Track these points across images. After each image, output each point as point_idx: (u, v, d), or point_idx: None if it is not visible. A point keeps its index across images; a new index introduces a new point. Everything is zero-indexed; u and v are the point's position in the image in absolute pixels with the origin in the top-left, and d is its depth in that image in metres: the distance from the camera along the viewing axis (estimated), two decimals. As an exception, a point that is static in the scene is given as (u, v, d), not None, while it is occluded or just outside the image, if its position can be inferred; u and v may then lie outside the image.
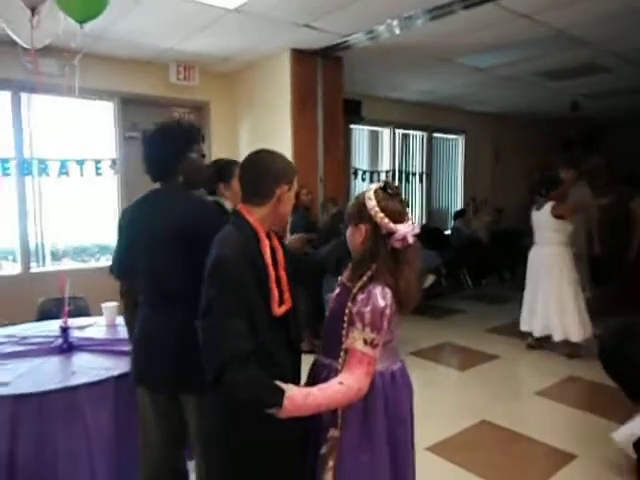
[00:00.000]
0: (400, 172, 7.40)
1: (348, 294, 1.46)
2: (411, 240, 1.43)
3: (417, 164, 7.68)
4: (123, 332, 2.47)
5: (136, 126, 4.69)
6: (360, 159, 6.98)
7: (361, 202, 1.46)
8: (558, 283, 4.14)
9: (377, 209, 1.42)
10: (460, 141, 8.12)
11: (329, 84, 4.65)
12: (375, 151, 7.18)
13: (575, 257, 4.35)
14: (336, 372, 1.44)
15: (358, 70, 5.03)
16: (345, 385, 1.34)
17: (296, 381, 1.52)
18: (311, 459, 1.50)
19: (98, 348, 2.20)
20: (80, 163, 4.44)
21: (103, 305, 2.67)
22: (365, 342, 1.37)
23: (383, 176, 7.11)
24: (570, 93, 6.35)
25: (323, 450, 1.44)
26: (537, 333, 4.28)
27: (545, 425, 3.15)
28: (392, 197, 1.45)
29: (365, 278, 1.43)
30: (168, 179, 1.82)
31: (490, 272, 7.51)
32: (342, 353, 1.43)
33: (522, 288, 4.51)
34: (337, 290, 1.58)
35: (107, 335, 2.44)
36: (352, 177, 6.73)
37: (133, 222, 1.82)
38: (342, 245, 1.73)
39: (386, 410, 1.47)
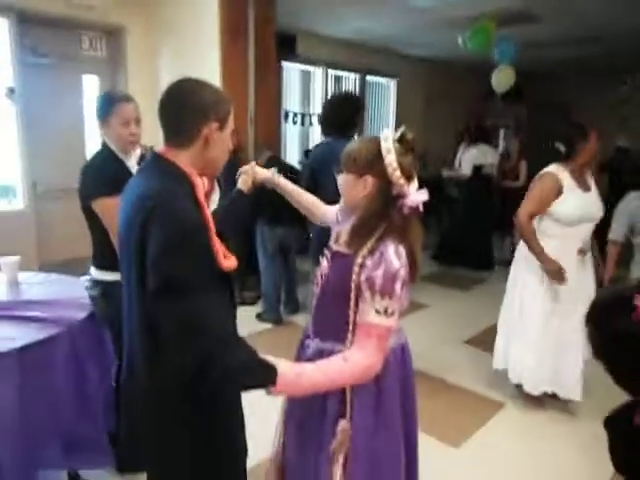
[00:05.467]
0: (332, 116, 7.15)
1: (348, 263, 1.24)
2: (421, 208, 1.26)
3: (349, 108, 7.44)
4: (27, 292, 2.17)
5: (37, 50, 4.06)
6: (291, 100, 6.62)
7: (374, 150, 1.23)
8: None
9: (395, 166, 1.21)
10: (392, 85, 7.94)
11: (261, 13, 4.22)
12: (307, 92, 6.84)
13: None
14: None
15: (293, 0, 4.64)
16: (350, 362, 1.15)
17: None
18: (313, 453, 1.34)
19: (-4, 313, 1.87)
20: (-31, 91, 3.80)
21: (1, 260, 2.29)
22: (377, 312, 1.18)
23: (315, 119, 6.84)
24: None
25: (332, 444, 1.27)
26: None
27: (473, 373, 3.23)
28: (407, 152, 1.25)
29: (373, 240, 1.22)
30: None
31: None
32: (350, 334, 1.24)
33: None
34: (328, 260, 1.35)
35: (7, 296, 2.10)
36: (283, 119, 6.39)
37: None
38: (239, 201, 1.58)
39: (399, 389, 1.35)
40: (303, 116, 6.69)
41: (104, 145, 2.05)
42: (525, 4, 4.64)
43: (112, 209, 1.86)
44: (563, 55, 7.06)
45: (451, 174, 5.81)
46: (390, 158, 1.21)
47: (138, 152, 2.12)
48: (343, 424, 1.27)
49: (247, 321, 3.89)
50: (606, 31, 5.59)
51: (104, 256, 2.00)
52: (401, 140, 1.25)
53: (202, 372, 1.02)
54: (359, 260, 1.22)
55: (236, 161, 4.06)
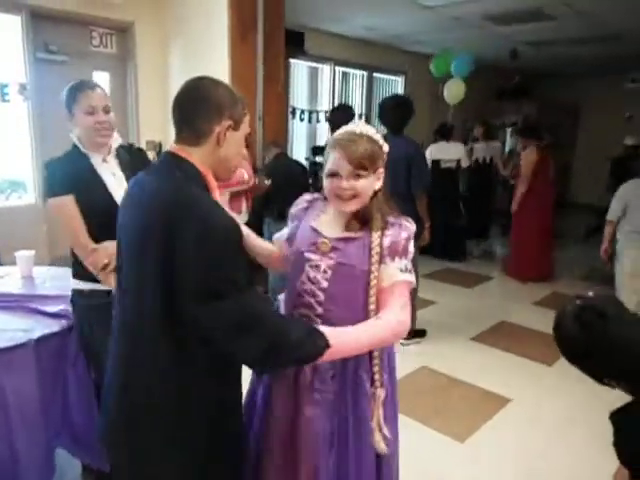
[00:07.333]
0: (339, 113, 7.16)
1: (363, 242, 1.31)
2: None
3: (356, 104, 7.46)
4: (41, 286, 2.22)
5: (48, 46, 4.10)
6: (299, 97, 6.65)
7: (376, 146, 1.32)
8: None
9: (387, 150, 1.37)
10: (400, 82, 7.94)
11: (270, 10, 4.24)
12: (314, 89, 6.86)
13: None
14: None
15: (301, -3, 4.66)
16: (384, 319, 1.25)
17: None
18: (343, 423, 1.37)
19: (13, 305, 1.92)
20: (-19, 87, 3.84)
21: (17, 254, 2.34)
22: (402, 271, 1.29)
23: (322, 116, 6.85)
24: (512, 40, 6.30)
25: (369, 414, 1.35)
26: None
27: (480, 370, 3.26)
28: None
29: (380, 217, 1.33)
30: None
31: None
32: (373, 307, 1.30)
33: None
34: (329, 250, 1.32)
35: (23, 290, 2.14)
36: (290, 116, 6.42)
37: None
38: None
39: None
40: (310, 113, 6.71)
41: (73, 145, 1.87)
42: (537, 2, 4.63)
43: (66, 209, 1.72)
44: (574, 53, 7.04)
45: None
46: (386, 147, 1.36)
47: (114, 144, 1.90)
48: (380, 392, 1.34)
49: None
50: (623, 30, 5.56)
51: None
52: None
53: (268, 357, 1.10)
54: (377, 233, 1.31)
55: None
